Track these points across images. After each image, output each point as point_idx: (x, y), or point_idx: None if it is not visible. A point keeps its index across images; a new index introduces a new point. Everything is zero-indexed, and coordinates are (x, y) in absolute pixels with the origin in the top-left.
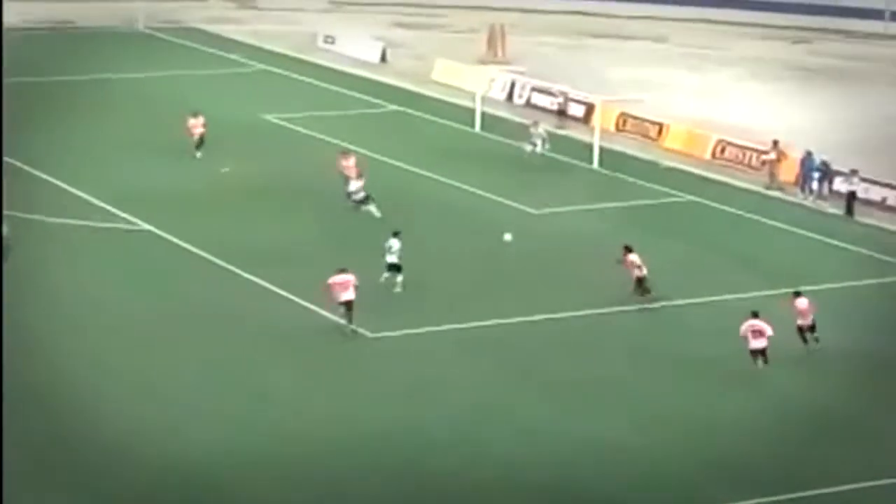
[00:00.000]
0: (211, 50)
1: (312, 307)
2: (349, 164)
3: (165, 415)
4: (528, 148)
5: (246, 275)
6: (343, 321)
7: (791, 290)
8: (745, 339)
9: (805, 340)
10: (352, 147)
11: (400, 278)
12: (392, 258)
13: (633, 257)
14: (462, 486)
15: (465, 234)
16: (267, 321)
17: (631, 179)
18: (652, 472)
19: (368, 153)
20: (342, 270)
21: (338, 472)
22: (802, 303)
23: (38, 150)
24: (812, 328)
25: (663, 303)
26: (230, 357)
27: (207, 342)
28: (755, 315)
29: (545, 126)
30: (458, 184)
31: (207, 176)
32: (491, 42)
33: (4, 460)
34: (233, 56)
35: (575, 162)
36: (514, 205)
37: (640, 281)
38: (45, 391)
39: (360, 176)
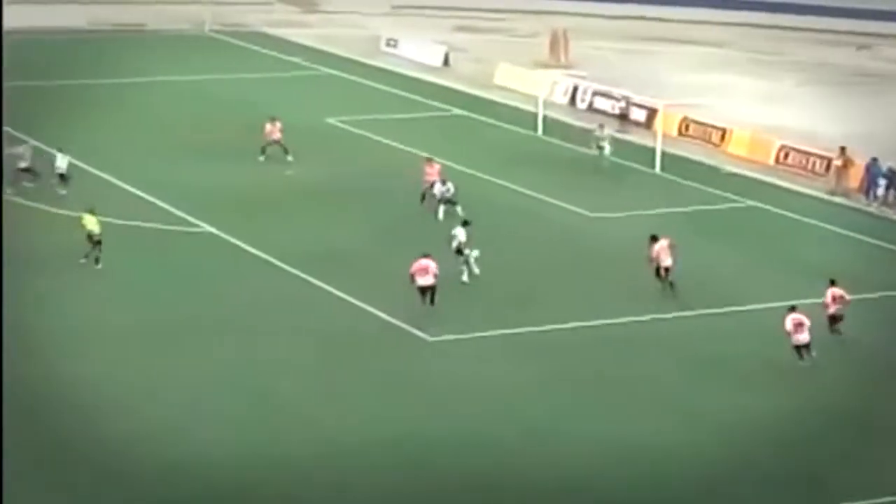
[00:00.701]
0: (275, 53)
1: (371, 309)
2: (433, 170)
3: (224, 413)
4: (595, 152)
5: (307, 277)
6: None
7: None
8: (790, 333)
9: (833, 331)
10: (414, 151)
11: (464, 267)
12: (455, 243)
13: (659, 245)
14: (499, 488)
15: (526, 238)
16: (325, 323)
17: (693, 184)
18: (704, 475)
19: (429, 156)
20: (425, 255)
21: (385, 471)
22: (833, 293)
23: (102, 152)
24: (839, 318)
25: (725, 308)
26: (288, 357)
27: (265, 342)
28: (793, 309)
29: (610, 130)
30: (519, 187)
31: (270, 178)
32: (553, 46)
33: (9, 460)
34: (296, 59)
35: (636, 166)
36: (575, 209)
37: (666, 271)
38: (94, 391)
39: (444, 182)
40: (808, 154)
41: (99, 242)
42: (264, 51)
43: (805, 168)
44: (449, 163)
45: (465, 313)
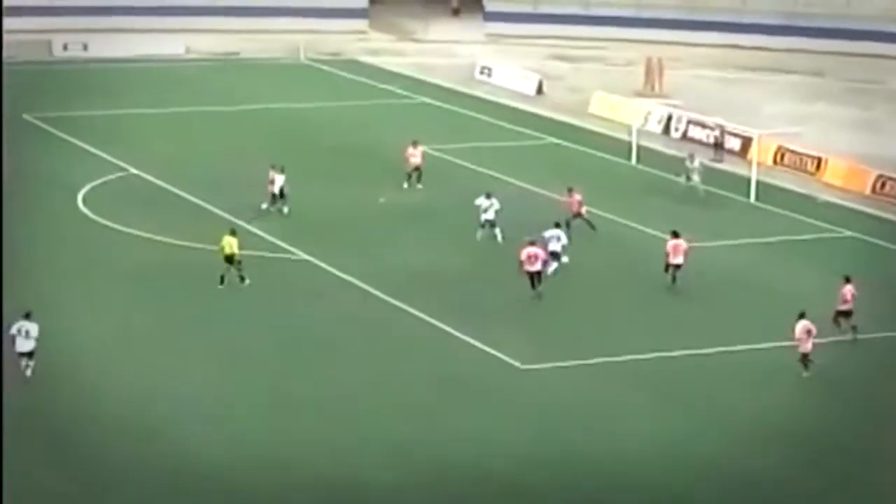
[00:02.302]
0: (370, 81)
1: (462, 336)
2: (573, 200)
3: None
4: (683, 181)
5: (399, 303)
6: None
7: None
8: (801, 341)
9: (839, 325)
10: (509, 179)
11: (555, 265)
12: (555, 246)
13: (673, 243)
14: None
15: (619, 265)
16: (415, 347)
17: (788, 213)
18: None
19: (524, 185)
20: (532, 243)
21: (478, 493)
22: (849, 289)
23: (197, 177)
24: (849, 314)
25: (820, 339)
26: (375, 382)
27: (352, 365)
28: (803, 316)
29: (701, 159)
30: (613, 216)
31: (365, 204)
32: (648, 75)
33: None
34: (391, 87)
35: (731, 195)
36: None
37: (676, 268)
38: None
39: (489, 196)
40: None
41: (239, 262)
42: (359, 79)
43: None
44: (542, 190)
45: (555, 340)
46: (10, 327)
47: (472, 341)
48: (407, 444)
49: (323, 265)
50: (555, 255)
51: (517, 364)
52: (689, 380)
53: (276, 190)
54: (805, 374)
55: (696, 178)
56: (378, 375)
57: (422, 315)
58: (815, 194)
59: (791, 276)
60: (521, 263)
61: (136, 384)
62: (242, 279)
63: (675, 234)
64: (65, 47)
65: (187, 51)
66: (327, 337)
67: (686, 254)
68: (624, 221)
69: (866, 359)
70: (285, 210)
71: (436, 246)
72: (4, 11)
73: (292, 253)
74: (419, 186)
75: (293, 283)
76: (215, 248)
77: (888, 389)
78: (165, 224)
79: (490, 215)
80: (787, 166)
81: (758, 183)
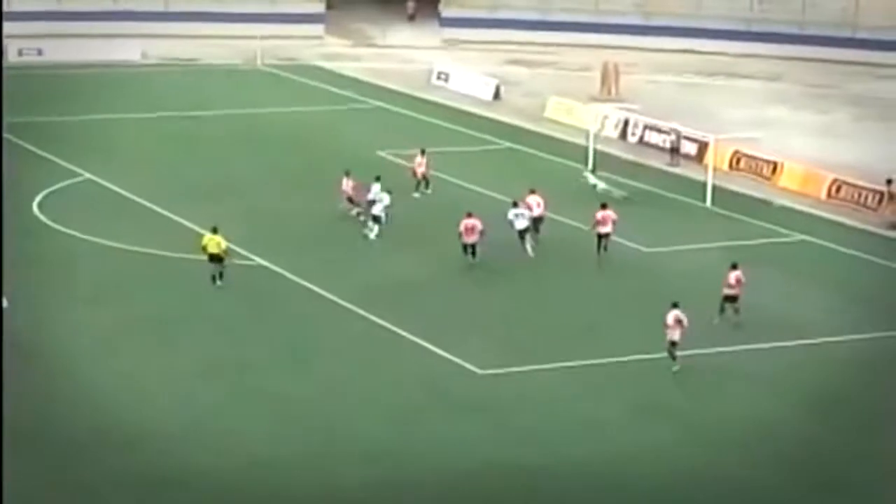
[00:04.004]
0: (327, 86)
1: (419, 341)
2: (528, 201)
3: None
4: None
5: (355, 308)
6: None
7: None
8: (670, 328)
9: (722, 310)
10: (465, 184)
11: (531, 243)
12: (522, 224)
13: (602, 213)
14: None
15: (578, 272)
16: (375, 355)
17: (744, 218)
18: None
19: (481, 190)
20: (469, 215)
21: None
22: (736, 275)
23: (154, 185)
24: (735, 299)
25: (771, 343)
26: (332, 386)
27: (312, 374)
28: (676, 306)
29: (589, 173)
30: (569, 221)
31: (322, 211)
32: (604, 80)
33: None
34: (348, 93)
35: (688, 200)
36: (627, 243)
37: (603, 237)
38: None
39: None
40: (860, 188)
41: (221, 261)
42: (316, 84)
43: (857, 202)
44: (499, 195)
45: (512, 346)
46: None
47: (431, 347)
48: (381, 447)
49: (281, 271)
50: (523, 234)
51: (475, 369)
52: (647, 384)
53: (372, 197)
54: (675, 368)
55: (600, 186)
56: (344, 381)
57: (376, 319)
58: (771, 198)
59: (747, 281)
60: (459, 235)
61: (118, 391)
62: (214, 279)
63: (604, 206)
64: (19, 52)
65: (143, 56)
66: (294, 344)
67: (615, 223)
68: (580, 226)
69: (825, 362)
70: (357, 212)
71: (393, 252)
72: None
73: (251, 259)
74: (428, 192)
75: (252, 289)
76: (180, 255)
77: (848, 391)
78: (125, 231)
79: (377, 210)
80: (744, 171)
81: (714, 187)
